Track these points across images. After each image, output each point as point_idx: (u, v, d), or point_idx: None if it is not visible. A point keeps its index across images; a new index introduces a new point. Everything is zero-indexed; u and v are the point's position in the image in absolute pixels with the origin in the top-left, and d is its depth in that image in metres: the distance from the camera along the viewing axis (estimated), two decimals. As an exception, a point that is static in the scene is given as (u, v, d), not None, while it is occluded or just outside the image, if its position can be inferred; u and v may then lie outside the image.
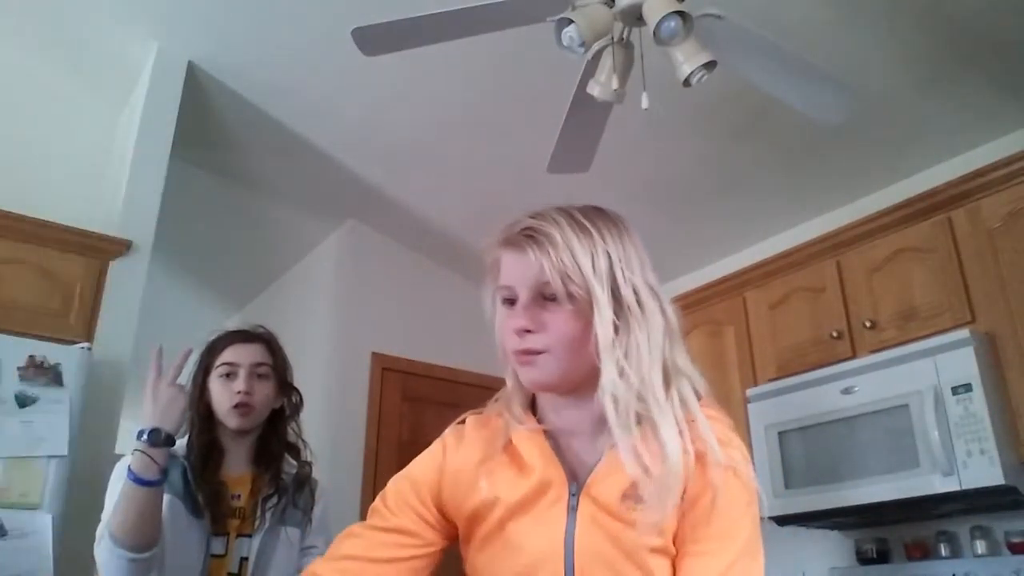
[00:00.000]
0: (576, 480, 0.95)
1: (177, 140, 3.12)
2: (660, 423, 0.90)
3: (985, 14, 2.50)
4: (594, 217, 0.97)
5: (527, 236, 0.95)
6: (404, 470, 1.07)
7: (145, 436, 1.49)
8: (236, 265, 4.74)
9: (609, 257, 0.93)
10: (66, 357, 2.44)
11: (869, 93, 2.75)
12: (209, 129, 3.49)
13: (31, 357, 2.38)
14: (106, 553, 1.46)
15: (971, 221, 2.68)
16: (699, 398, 0.97)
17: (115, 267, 2.80)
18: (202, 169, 3.73)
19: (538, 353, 0.93)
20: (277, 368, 1.75)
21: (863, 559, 2.95)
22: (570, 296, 0.92)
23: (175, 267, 4.60)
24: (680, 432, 0.91)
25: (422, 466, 1.05)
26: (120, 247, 2.82)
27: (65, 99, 3.32)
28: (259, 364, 1.71)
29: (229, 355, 1.71)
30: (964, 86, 2.80)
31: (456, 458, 1.03)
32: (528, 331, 0.93)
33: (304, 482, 1.72)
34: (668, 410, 0.91)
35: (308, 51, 3.01)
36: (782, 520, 2.90)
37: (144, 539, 1.46)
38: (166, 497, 1.54)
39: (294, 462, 1.75)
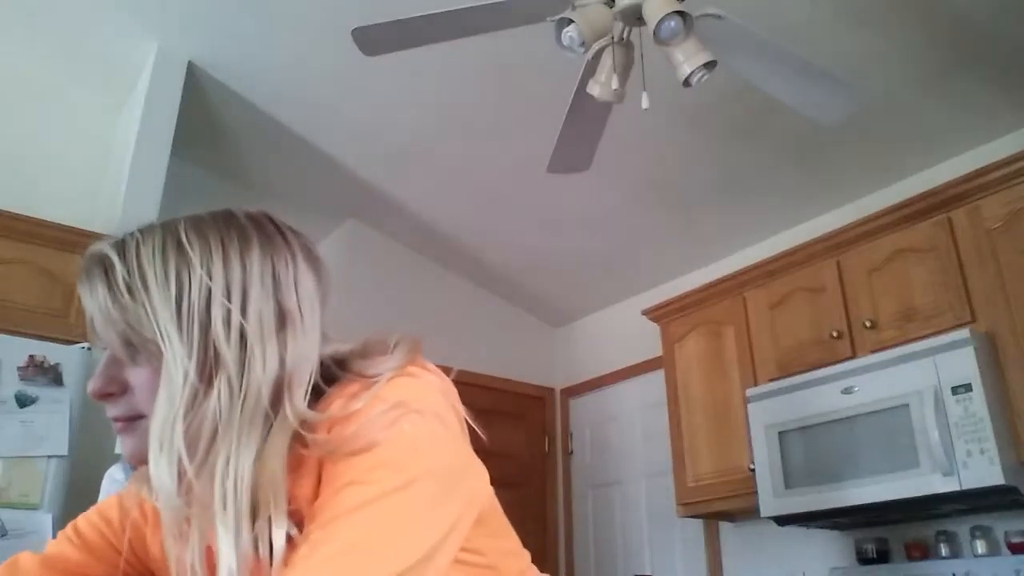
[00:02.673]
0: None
1: (177, 140, 3.12)
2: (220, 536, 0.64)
3: (985, 14, 2.50)
4: (205, 229, 0.72)
5: (85, 269, 0.74)
6: None
7: None
8: (236, 265, 4.73)
9: (209, 290, 0.68)
10: (66, 357, 2.44)
11: (869, 93, 2.75)
12: (209, 129, 3.48)
13: (31, 357, 2.38)
14: None
15: (971, 221, 2.68)
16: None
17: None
18: (202, 169, 3.72)
19: (127, 419, 0.72)
20: None
21: (863, 559, 2.95)
22: (132, 349, 0.70)
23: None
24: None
25: None
26: (120, 247, 2.82)
27: (65, 99, 3.32)
28: None
29: None
30: (964, 86, 2.80)
31: None
32: (108, 394, 0.72)
33: None
34: (231, 524, 0.64)
35: (308, 51, 3.01)
36: (782, 520, 2.90)
37: None
38: None
39: None
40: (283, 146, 3.57)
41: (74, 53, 3.19)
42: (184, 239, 0.71)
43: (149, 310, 0.68)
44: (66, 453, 2.33)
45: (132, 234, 0.73)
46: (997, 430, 2.38)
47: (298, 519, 0.66)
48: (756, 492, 2.95)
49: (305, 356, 0.71)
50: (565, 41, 1.92)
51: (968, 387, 2.44)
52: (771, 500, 2.89)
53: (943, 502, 2.54)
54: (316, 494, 0.66)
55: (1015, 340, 2.48)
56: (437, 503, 0.65)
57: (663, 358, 3.64)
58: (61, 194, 3.08)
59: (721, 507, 3.25)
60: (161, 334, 0.67)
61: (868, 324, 2.83)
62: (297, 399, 0.69)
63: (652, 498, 3.94)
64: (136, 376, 0.71)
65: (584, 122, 2.33)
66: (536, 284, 4.46)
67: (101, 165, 3.31)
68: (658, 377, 3.71)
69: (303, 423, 0.67)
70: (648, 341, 3.85)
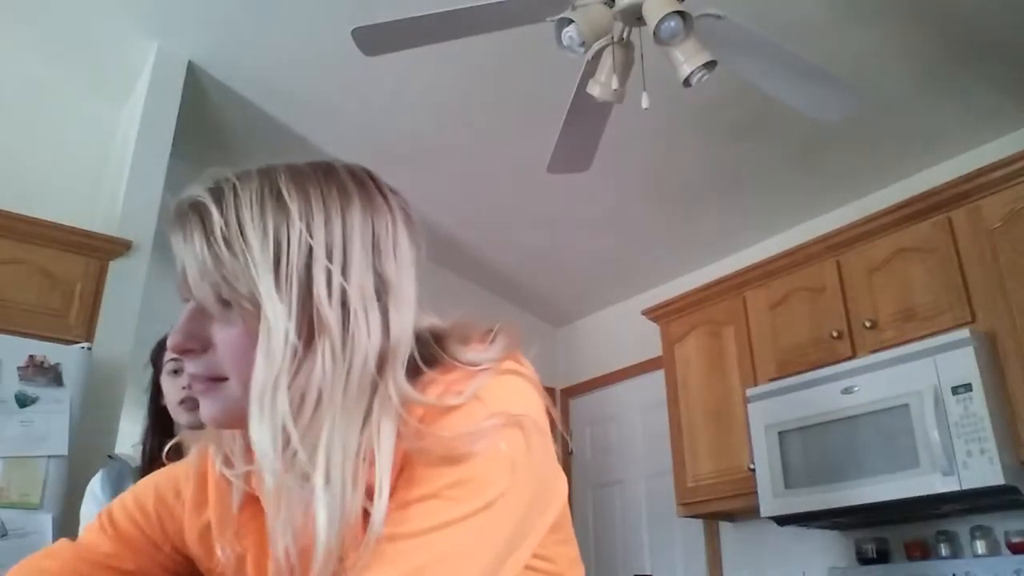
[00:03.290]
0: None
1: (177, 140, 3.12)
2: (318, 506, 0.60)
3: (986, 14, 2.50)
4: (305, 182, 0.67)
5: (179, 214, 0.68)
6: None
7: None
8: (236, 265, 4.73)
9: (310, 249, 0.64)
10: (66, 357, 2.44)
11: (869, 93, 2.75)
12: (209, 129, 3.48)
13: (31, 357, 2.38)
14: None
15: (971, 221, 2.68)
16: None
17: (115, 267, 2.80)
18: (202, 169, 3.72)
19: (208, 380, 0.68)
20: None
21: (863, 559, 2.95)
22: (224, 305, 0.65)
23: (175, 267, 4.60)
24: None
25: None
26: (120, 247, 2.82)
27: (65, 99, 3.32)
28: None
29: None
30: (964, 86, 2.80)
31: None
32: (188, 350, 0.67)
33: None
34: (338, 492, 0.60)
35: (308, 51, 3.01)
36: (782, 520, 2.90)
37: None
38: None
39: None
40: (283, 146, 3.57)
41: (74, 53, 3.19)
42: (284, 191, 0.66)
43: (248, 264, 0.63)
44: (66, 453, 2.32)
45: (227, 179, 0.68)
46: (997, 430, 2.38)
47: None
48: (756, 492, 2.95)
49: (404, 328, 0.67)
50: (565, 41, 1.92)
51: (968, 387, 2.44)
52: (771, 500, 2.89)
53: (943, 502, 2.54)
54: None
55: (1015, 340, 2.48)
56: (517, 522, 0.62)
57: (663, 358, 3.63)
58: (61, 194, 3.08)
59: (721, 507, 3.25)
60: (260, 291, 0.62)
61: (868, 324, 2.83)
62: (400, 375, 0.64)
63: (652, 498, 3.94)
64: (223, 334, 0.65)
65: (584, 122, 2.33)
66: (536, 284, 4.46)
67: (101, 165, 3.31)
68: (658, 377, 3.71)
69: (403, 402, 0.63)
70: (648, 341, 3.85)
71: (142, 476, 1.62)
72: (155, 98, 3.10)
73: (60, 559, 0.80)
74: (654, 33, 1.88)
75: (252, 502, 0.74)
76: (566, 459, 4.50)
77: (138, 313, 2.81)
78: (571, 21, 1.89)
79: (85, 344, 2.54)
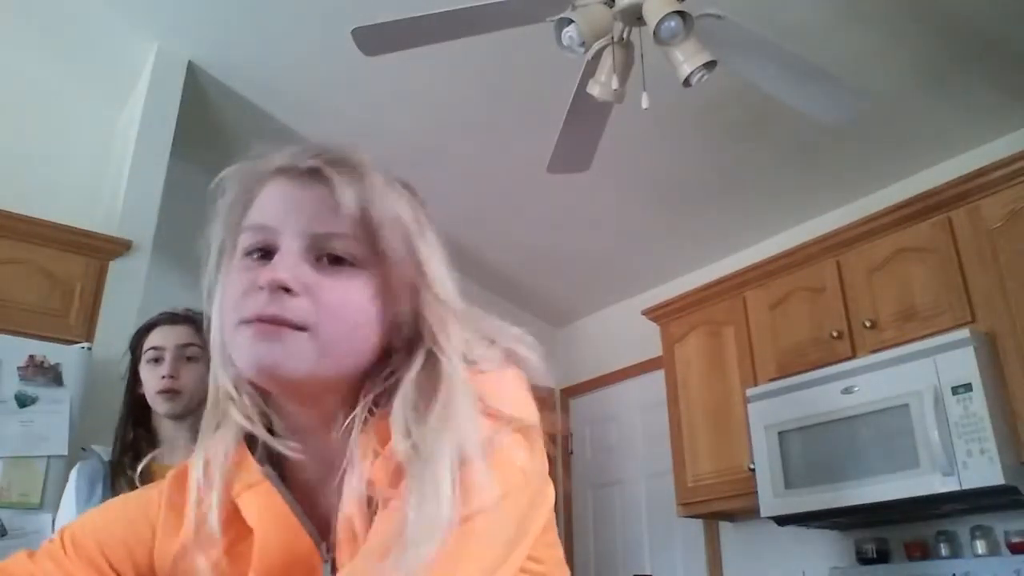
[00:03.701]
0: (327, 538, 0.67)
1: (177, 140, 3.12)
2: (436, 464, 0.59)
3: (986, 14, 2.50)
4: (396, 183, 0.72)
5: (326, 164, 0.66)
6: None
7: None
8: (236, 265, 4.73)
9: (418, 222, 0.69)
10: (66, 357, 2.44)
11: (869, 93, 2.75)
12: (209, 129, 3.48)
13: (31, 357, 2.38)
14: None
15: (971, 221, 2.68)
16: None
17: (115, 267, 2.80)
18: (202, 169, 3.72)
19: (293, 327, 0.63)
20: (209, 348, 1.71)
21: (863, 559, 2.95)
22: (377, 256, 0.65)
23: (175, 267, 4.60)
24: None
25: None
26: (120, 247, 2.82)
27: (65, 99, 3.32)
28: (186, 345, 1.66)
29: (155, 338, 1.67)
30: (964, 86, 2.80)
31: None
32: (288, 290, 0.63)
33: None
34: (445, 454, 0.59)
35: (308, 51, 3.01)
36: (782, 520, 2.90)
37: None
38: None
39: None
40: (283, 146, 3.57)
41: (74, 53, 3.19)
42: (396, 184, 0.70)
43: (407, 219, 0.66)
44: (66, 453, 2.32)
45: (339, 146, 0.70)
46: (997, 430, 2.38)
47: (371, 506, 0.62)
48: (756, 492, 2.95)
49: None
50: (565, 41, 1.92)
51: (968, 387, 2.44)
52: (771, 500, 2.89)
53: (943, 502, 2.54)
54: (393, 481, 0.60)
55: (1015, 340, 2.48)
56: (518, 522, 0.62)
57: (663, 358, 3.63)
58: (61, 194, 3.08)
59: (721, 507, 3.25)
60: (421, 252, 0.66)
61: (868, 324, 2.83)
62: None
63: (652, 498, 3.94)
64: (333, 285, 0.64)
65: (584, 122, 2.33)
66: (536, 284, 4.46)
67: (101, 165, 3.32)
68: (658, 377, 3.71)
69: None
70: (648, 341, 3.85)
71: (114, 470, 1.61)
72: (155, 98, 3.11)
73: None
74: (654, 33, 1.88)
75: (235, 521, 0.68)
76: (566, 459, 4.50)
77: (138, 313, 2.80)
78: (571, 21, 1.89)
79: (85, 344, 2.54)
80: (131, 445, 1.65)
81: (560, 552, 0.75)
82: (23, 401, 2.33)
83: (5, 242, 2.61)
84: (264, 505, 0.68)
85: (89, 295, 2.71)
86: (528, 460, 0.64)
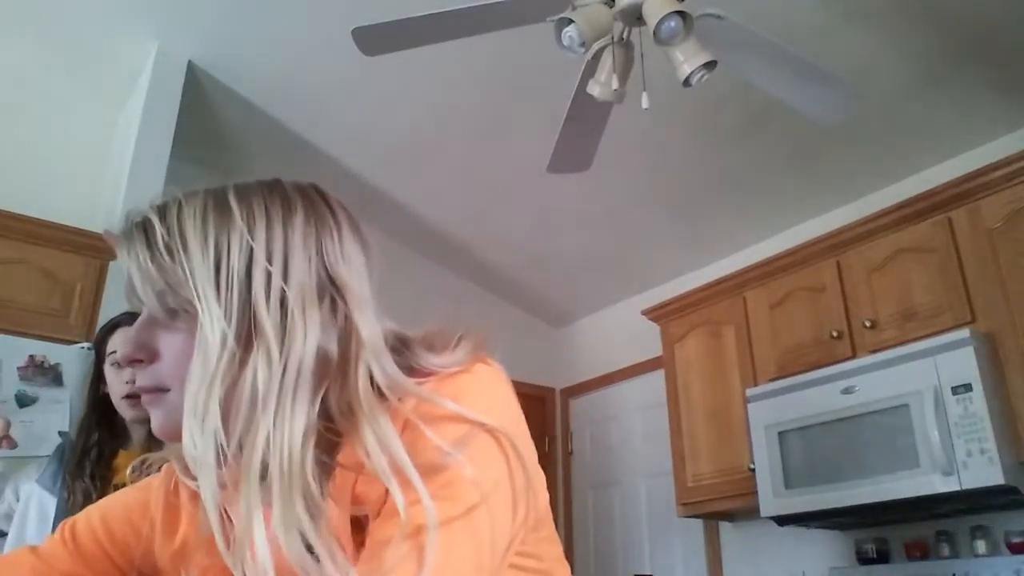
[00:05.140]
0: None
1: (177, 140, 3.12)
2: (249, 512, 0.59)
3: (985, 14, 2.50)
4: (249, 194, 0.70)
5: (125, 231, 0.69)
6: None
7: None
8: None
9: (250, 253, 0.65)
10: (66, 357, 2.44)
11: (869, 93, 2.75)
12: (209, 129, 3.48)
13: (31, 357, 2.38)
14: None
15: (971, 221, 2.68)
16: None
17: (115, 267, 2.80)
18: (202, 169, 3.72)
19: (154, 391, 0.68)
20: None
21: (863, 559, 2.95)
22: (170, 313, 0.66)
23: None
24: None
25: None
26: (120, 247, 2.82)
27: (65, 99, 3.32)
28: None
29: (117, 341, 1.63)
30: (964, 86, 2.80)
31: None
32: (136, 360, 0.68)
33: None
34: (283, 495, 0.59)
35: (308, 51, 3.01)
36: (782, 520, 2.90)
37: None
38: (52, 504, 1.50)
39: None
40: (283, 146, 3.57)
41: (74, 53, 3.18)
42: (227, 202, 0.68)
43: (187, 270, 0.64)
44: (66, 453, 2.33)
45: (175, 198, 0.70)
46: (997, 430, 2.38)
47: (366, 522, 0.62)
48: (756, 492, 2.95)
49: (369, 328, 0.68)
50: (565, 41, 1.92)
51: (968, 387, 2.44)
52: (771, 500, 2.89)
53: (943, 502, 2.54)
54: (386, 497, 0.60)
55: (1015, 340, 2.48)
56: (497, 526, 0.62)
57: (663, 358, 3.64)
58: (61, 194, 3.08)
59: (721, 507, 3.25)
60: (198, 295, 0.63)
61: (868, 324, 2.83)
62: (388, 370, 0.66)
63: (652, 498, 3.94)
64: (170, 343, 0.67)
65: (584, 122, 2.33)
66: (536, 284, 4.46)
67: (101, 165, 3.31)
68: (658, 377, 3.71)
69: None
70: (648, 341, 3.85)
71: (71, 472, 1.55)
72: (155, 98, 3.10)
73: (18, 572, 0.77)
74: (654, 33, 1.88)
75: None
76: (566, 459, 4.50)
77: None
78: (571, 21, 1.89)
79: (85, 344, 2.54)
80: (94, 445, 1.60)
81: (558, 548, 0.75)
82: (23, 401, 2.33)
83: (5, 242, 2.61)
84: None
85: (89, 295, 2.71)
86: (485, 469, 0.62)
